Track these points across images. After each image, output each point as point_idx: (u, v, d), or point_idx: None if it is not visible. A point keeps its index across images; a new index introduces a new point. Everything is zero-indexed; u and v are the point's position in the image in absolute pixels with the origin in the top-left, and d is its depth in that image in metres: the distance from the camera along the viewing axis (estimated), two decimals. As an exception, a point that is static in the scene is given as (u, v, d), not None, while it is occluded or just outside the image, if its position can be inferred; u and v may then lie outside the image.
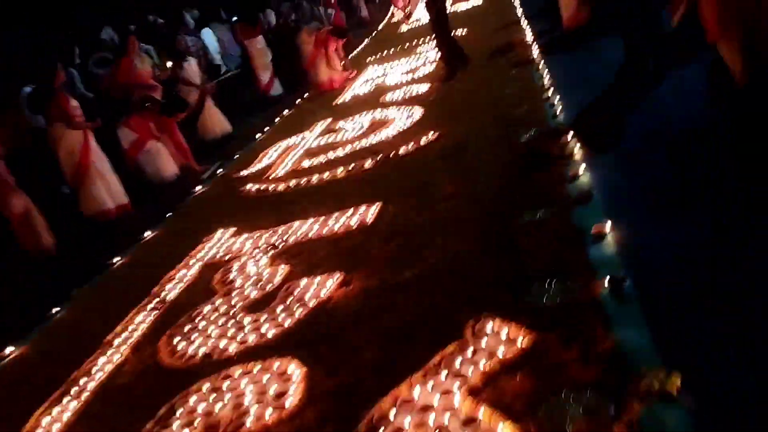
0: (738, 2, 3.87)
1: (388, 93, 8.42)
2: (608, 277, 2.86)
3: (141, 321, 4.13)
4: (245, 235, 5.00)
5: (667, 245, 3.11)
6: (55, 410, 3.43)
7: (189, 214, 6.33)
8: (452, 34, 8.47)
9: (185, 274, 4.66)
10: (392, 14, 18.26)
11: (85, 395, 3.47)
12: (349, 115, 8.01)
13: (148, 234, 5.96)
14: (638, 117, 4.90)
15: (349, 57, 12.94)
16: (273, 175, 6.53)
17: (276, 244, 4.63)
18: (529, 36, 8.77)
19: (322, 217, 4.81)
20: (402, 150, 5.79)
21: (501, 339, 2.71)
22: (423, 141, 5.83)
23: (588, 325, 2.64)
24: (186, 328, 3.80)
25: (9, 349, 4.49)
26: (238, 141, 8.95)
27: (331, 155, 6.49)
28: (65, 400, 3.49)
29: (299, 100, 10.47)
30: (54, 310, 4.83)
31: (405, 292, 3.39)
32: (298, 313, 3.54)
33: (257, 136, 8.69)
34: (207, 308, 3.97)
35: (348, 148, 6.52)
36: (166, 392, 3.20)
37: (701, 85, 4.84)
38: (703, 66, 4.74)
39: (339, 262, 4.01)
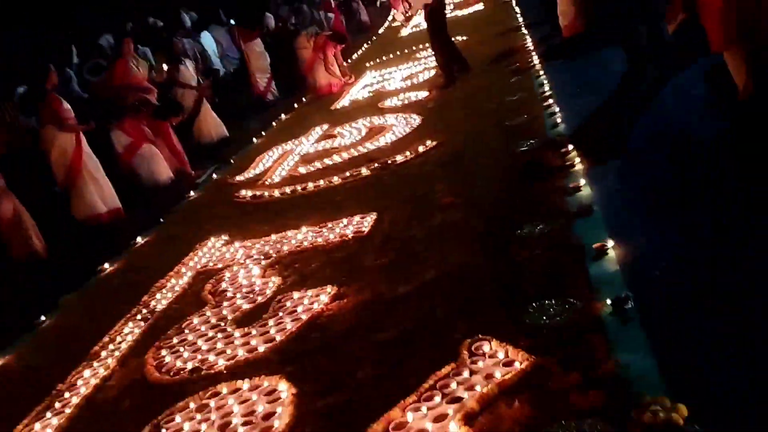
0: (740, 14, 3.81)
1: (387, 99, 8.34)
2: (610, 297, 2.77)
3: (129, 331, 4.01)
4: (238, 244, 4.90)
5: (670, 263, 3.02)
6: (37, 425, 3.31)
7: (182, 219, 6.22)
8: (452, 39, 8.35)
9: (176, 283, 4.55)
10: (393, 18, 18.18)
11: (68, 410, 3.35)
12: (346, 120, 7.92)
13: (139, 240, 5.84)
14: (639, 126, 4.83)
15: (349, 61, 12.88)
16: (268, 181, 6.43)
17: (269, 254, 4.52)
18: (529, 43, 8.71)
19: (317, 226, 4.71)
20: (399, 158, 5.70)
21: (498, 361, 2.61)
22: (421, 149, 5.74)
23: (589, 348, 2.54)
24: (174, 341, 3.69)
25: (-7, 359, 4.38)
26: (234, 145, 8.85)
27: (328, 162, 6.40)
28: (48, 414, 3.37)
29: (297, 104, 10.37)
30: (41, 318, 4.71)
31: (399, 308, 3.29)
32: (290, 327, 3.43)
33: (254, 140, 8.58)
34: (196, 320, 3.86)
35: (345, 155, 6.42)
36: (151, 409, 3.08)
37: (701, 92, 4.79)
38: (703, 73, 4.69)
39: (332, 274, 3.91)
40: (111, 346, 3.88)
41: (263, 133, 8.89)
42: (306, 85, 10.70)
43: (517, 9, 11.88)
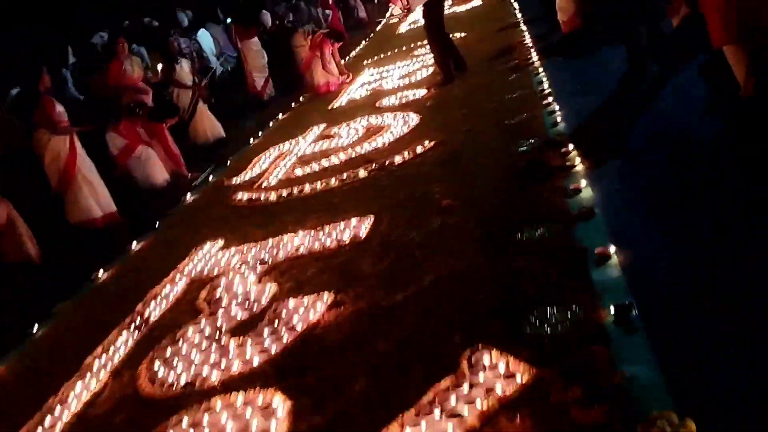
0: (740, 13, 3.72)
1: (385, 98, 8.24)
2: (613, 305, 2.69)
3: (123, 342, 3.93)
4: (234, 249, 4.82)
5: (674, 267, 2.94)
6: (28, 441, 3.25)
7: (178, 224, 6.14)
8: (449, 37, 8.24)
9: (171, 290, 4.47)
10: (391, 14, 18.08)
11: (59, 426, 3.27)
12: (344, 119, 7.82)
13: (135, 245, 5.76)
14: (640, 126, 4.74)
15: (347, 58, 12.78)
16: (265, 184, 6.35)
17: (265, 260, 4.44)
18: (528, 39, 8.61)
19: (313, 231, 4.63)
20: (397, 159, 5.61)
21: (499, 373, 2.54)
22: (419, 149, 5.65)
23: (592, 359, 2.47)
24: (168, 352, 3.61)
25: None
26: (231, 146, 8.76)
27: (325, 163, 6.30)
28: (39, 431, 3.30)
29: (294, 103, 10.28)
30: (35, 328, 4.64)
31: (397, 317, 3.21)
32: (286, 337, 3.35)
33: (251, 140, 8.49)
34: (191, 329, 3.77)
35: (342, 156, 6.33)
36: (143, 425, 3.01)
37: (702, 90, 4.69)
38: (703, 71, 4.59)
39: (329, 281, 3.83)
40: (104, 358, 3.80)
41: (260, 133, 8.80)
42: (303, 83, 10.59)
43: (516, 5, 11.78)
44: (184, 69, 9.01)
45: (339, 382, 2.87)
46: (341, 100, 9.25)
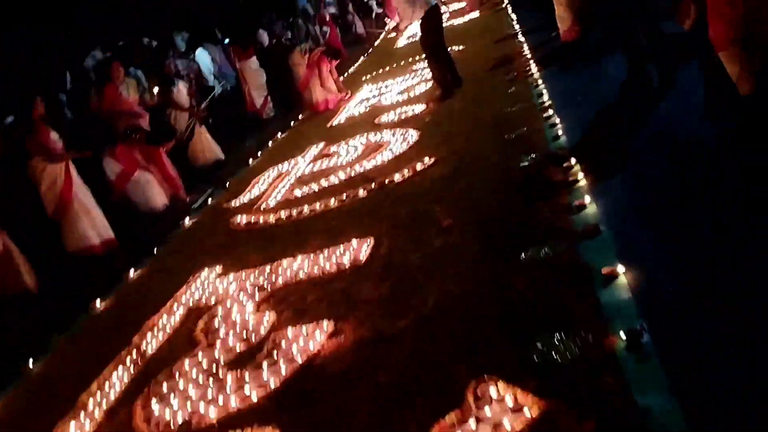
0: (746, 15, 3.64)
1: (383, 114, 8.15)
2: (624, 330, 2.57)
3: (118, 378, 3.82)
4: (232, 275, 4.71)
5: (686, 284, 2.81)
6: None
7: (176, 249, 6.04)
8: (448, 50, 8.16)
9: (168, 321, 4.36)
10: (389, 29, 18.02)
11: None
12: (343, 137, 7.74)
13: (132, 273, 5.66)
14: (643, 137, 4.63)
15: (345, 75, 12.74)
16: (263, 206, 6.25)
17: (263, 286, 4.33)
18: (526, 50, 8.53)
19: (313, 255, 4.52)
20: (397, 177, 5.51)
21: (506, 407, 2.41)
22: (419, 167, 5.55)
23: (604, 390, 2.35)
24: (164, 387, 3.49)
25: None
26: (230, 167, 8.68)
27: (324, 183, 6.21)
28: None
29: (293, 122, 10.21)
30: (30, 363, 4.53)
31: (399, 346, 3.09)
32: (284, 370, 3.23)
33: (250, 161, 8.42)
34: (188, 363, 3.66)
35: (341, 175, 6.23)
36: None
37: (702, 96, 4.60)
38: (703, 75, 4.50)
39: (329, 308, 3.72)
40: (99, 395, 3.68)
41: (259, 153, 8.73)
42: (302, 101, 10.53)
43: (513, 16, 11.71)
44: (181, 91, 8.95)
45: (339, 417, 2.76)
46: (340, 118, 9.17)
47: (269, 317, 3.86)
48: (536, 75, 7.12)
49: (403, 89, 9.32)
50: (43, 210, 6.41)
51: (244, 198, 6.81)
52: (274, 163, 7.73)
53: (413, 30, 13.81)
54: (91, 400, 3.67)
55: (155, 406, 3.34)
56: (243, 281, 4.54)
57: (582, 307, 2.86)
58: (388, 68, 11.85)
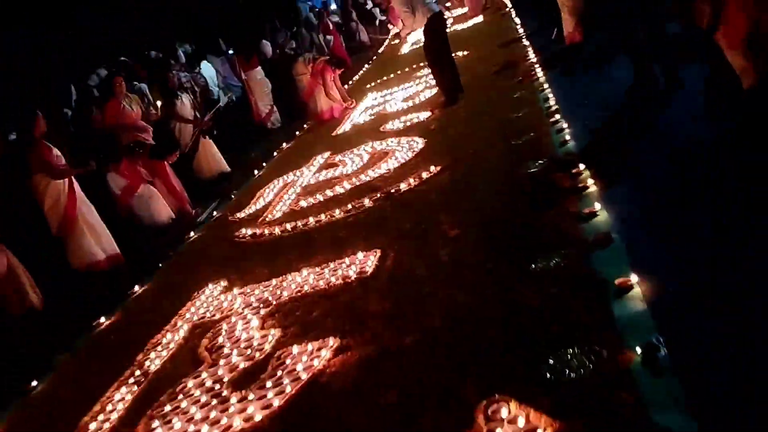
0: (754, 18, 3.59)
1: (389, 122, 8.07)
2: (640, 344, 2.47)
3: (121, 398, 3.75)
4: (236, 290, 4.64)
5: (704, 296, 2.70)
6: None
7: (181, 264, 5.97)
8: (452, 57, 8.07)
9: (171, 338, 4.28)
10: (392, 37, 17.96)
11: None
12: (348, 146, 7.67)
13: (137, 289, 5.60)
14: (653, 139, 4.53)
15: (350, 82, 12.68)
16: (269, 218, 6.18)
17: (268, 301, 4.25)
18: (531, 54, 8.44)
19: (318, 268, 4.44)
20: (403, 186, 5.43)
21: (519, 428, 2.32)
22: (425, 175, 5.46)
23: (619, 408, 2.25)
24: (167, 409, 3.41)
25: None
26: (236, 178, 8.64)
27: (329, 193, 6.13)
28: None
29: (298, 131, 10.15)
30: (33, 383, 4.46)
31: (406, 363, 3.00)
32: (289, 388, 3.15)
33: (255, 172, 8.36)
34: (191, 383, 3.58)
35: (347, 185, 6.16)
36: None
37: (708, 96, 4.52)
38: (706, 76, 4.43)
39: (335, 323, 3.63)
40: (101, 417, 3.61)
41: (264, 164, 8.68)
42: (307, 111, 10.47)
43: (517, 20, 11.63)
44: (185, 104, 8.91)
45: (346, 439, 2.67)
46: (345, 126, 9.11)
47: (274, 333, 3.78)
48: (542, 79, 7.03)
49: (408, 96, 9.25)
50: (46, 227, 6.36)
51: (250, 210, 6.75)
52: (280, 174, 7.67)
53: (417, 36, 13.78)
54: (93, 424, 3.59)
55: (158, 429, 3.26)
56: (248, 296, 4.47)
57: (595, 320, 2.76)
58: (392, 75, 11.77)
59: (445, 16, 8.44)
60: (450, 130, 6.64)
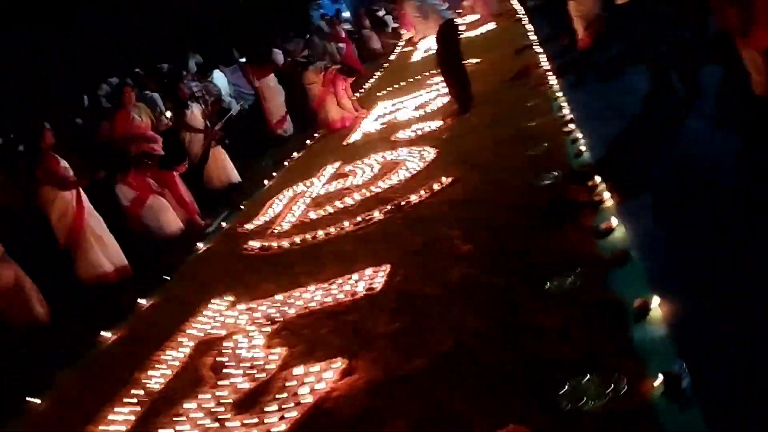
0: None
1: (400, 131, 7.97)
2: (661, 372, 2.33)
3: (121, 419, 3.63)
4: (243, 306, 4.53)
5: (731, 320, 2.55)
6: None
7: (188, 277, 5.87)
8: (464, 65, 7.94)
9: (175, 355, 4.18)
10: (405, 42, 17.83)
11: None
12: (359, 156, 7.56)
13: (143, 302, 5.51)
14: (672, 151, 4.38)
15: (361, 90, 12.60)
16: (277, 229, 6.08)
17: (274, 318, 4.14)
18: (544, 61, 8.30)
19: (326, 284, 4.32)
20: (413, 198, 5.31)
21: (533, 464, 2.18)
22: (436, 187, 5.34)
23: (641, 445, 2.11)
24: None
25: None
26: (246, 189, 8.54)
27: (339, 205, 6.03)
28: None
29: (309, 141, 10.05)
30: (34, 400, 4.37)
31: (416, 388, 2.87)
32: (293, 414, 3.03)
33: (265, 182, 8.27)
34: (193, 404, 3.47)
35: (357, 196, 6.05)
36: None
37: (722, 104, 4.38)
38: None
39: (341, 343, 3.51)
40: (101, 439, 3.51)
41: (275, 174, 8.58)
42: (318, 120, 10.38)
43: (530, 27, 11.49)
44: (195, 113, 8.84)
45: (350, 471, 2.54)
46: (356, 136, 9.01)
47: (279, 352, 3.67)
48: (555, 87, 6.89)
49: (420, 105, 9.14)
50: (54, 239, 6.30)
51: (259, 221, 6.65)
52: (290, 184, 7.57)
53: (429, 44, 13.67)
54: (92, 445, 3.50)
55: (157, 454, 3.16)
56: (254, 312, 4.35)
57: (612, 345, 2.62)
58: (404, 83, 11.67)
59: (458, 23, 8.31)
60: (462, 140, 6.51)
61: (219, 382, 3.61)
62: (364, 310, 3.80)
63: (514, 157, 5.32)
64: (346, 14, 22.35)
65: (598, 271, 3.15)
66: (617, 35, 6.95)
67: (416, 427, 2.64)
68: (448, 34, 7.60)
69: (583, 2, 7.03)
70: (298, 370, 3.38)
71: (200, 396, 3.54)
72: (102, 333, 5.09)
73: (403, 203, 5.30)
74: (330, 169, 7.56)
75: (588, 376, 2.48)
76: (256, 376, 3.52)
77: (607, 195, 3.90)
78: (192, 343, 4.28)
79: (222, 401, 3.40)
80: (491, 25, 14.51)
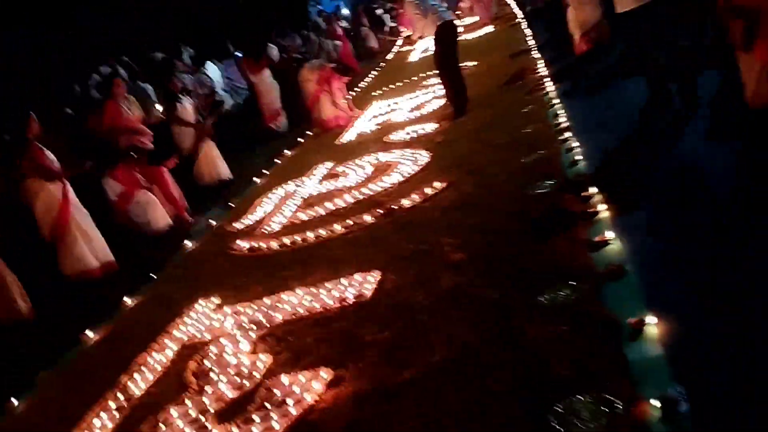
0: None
1: (394, 132, 7.88)
2: (657, 395, 2.26)
3: (100, 425, 3.54)
4: (229, 309, 4.44)
5: (731, 340, 2.48)
6: None
7: (174, 276, 5.76)
8: (460, 68, 7.87)
9: (158, 359, 4.08)
10: (403, 42, 17.74)
11: None
12: (352, 156, 7.47)
13: (128, 301, 5.40)
14: (670, 161, 4.33)
15: (356, 89, 12.50)
16: (267, 229, 5.99)
17: (261, 323, 4.05)
18: (541, 67, 8.25)
19: (314, 288, 4.24)
20: (405, 202, 5.23)
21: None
22: (429, 192, 5.26)
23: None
24: (148, 440, 3.22)
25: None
26: (236, 185, 8.43)
27: (330, 206, 5.94)
28: None
29: (302, 139, 9.95)
30: (11, 402, 4.26)
31: (404, 402, 2.79)
32: (277, 424, 2.95)
33: (255, 180, 8.16)
34: (175, 412, 3.38)
35: (348, 198, 5.96)
36: None
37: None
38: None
39: (329, 352, 3.43)
40: (78, 445, 3.41)
41: (266, 171, 8.48)
42: (311, 118, 10.28)
43: (528, 31, 11.44)
44: (187, 107, 8.72)
45: (334, 488, 2.46)
46: (349, 135, 8.92)
47: (264, 360, 3.58)
48: (552, 93, 6.83)
49: (415, 106, 9.06)
50: (38, 232, 6.17)
51: (248, 219, 6.55)
52: (281, 182, 7.47)
53: (427, 45, 13.59)
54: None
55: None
56: (240, 316, 4.26)
57: (606, 364, 2.55)
58: (400, 83, 11.59)
59: (457, 25, 8.23)
60: (456, 144, 6.44)
61: (202, 389, 3.52)
62: (352, 318, 3.71)
63: (508, 163, 5.25)
64: (346, 11, 22.26)
65: (592, 286, 3.08)
66: (617, 43, 6.91)
67: (403, 443, 2.56)
68: (447, 35, 7.52)
69: (581, 9, 7.00)
70: (283, 380, 3.29)
71: (182, 404, 3.45)
72: (86, 332, 4.98)
73: (395, 207, 5.22)
74: (322, 169, 7.46)
75: (580, 396, 2.41)
76: (240, 383, 3.43)
77: (602, 206, 3.83)
78: (176, 347, 4.19)
79: (204, 410, 3.31)
80: (489, 28, 14.46)
